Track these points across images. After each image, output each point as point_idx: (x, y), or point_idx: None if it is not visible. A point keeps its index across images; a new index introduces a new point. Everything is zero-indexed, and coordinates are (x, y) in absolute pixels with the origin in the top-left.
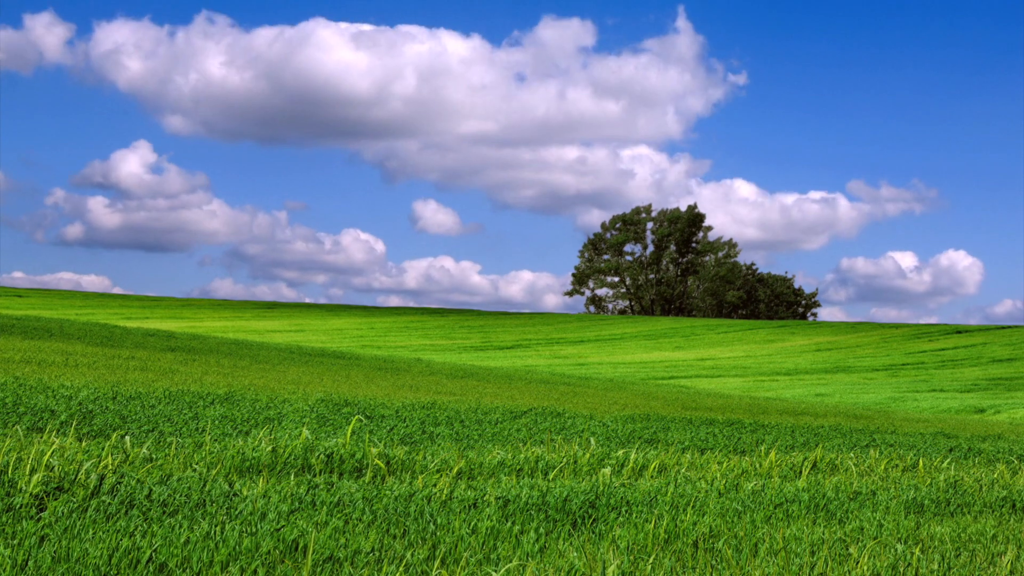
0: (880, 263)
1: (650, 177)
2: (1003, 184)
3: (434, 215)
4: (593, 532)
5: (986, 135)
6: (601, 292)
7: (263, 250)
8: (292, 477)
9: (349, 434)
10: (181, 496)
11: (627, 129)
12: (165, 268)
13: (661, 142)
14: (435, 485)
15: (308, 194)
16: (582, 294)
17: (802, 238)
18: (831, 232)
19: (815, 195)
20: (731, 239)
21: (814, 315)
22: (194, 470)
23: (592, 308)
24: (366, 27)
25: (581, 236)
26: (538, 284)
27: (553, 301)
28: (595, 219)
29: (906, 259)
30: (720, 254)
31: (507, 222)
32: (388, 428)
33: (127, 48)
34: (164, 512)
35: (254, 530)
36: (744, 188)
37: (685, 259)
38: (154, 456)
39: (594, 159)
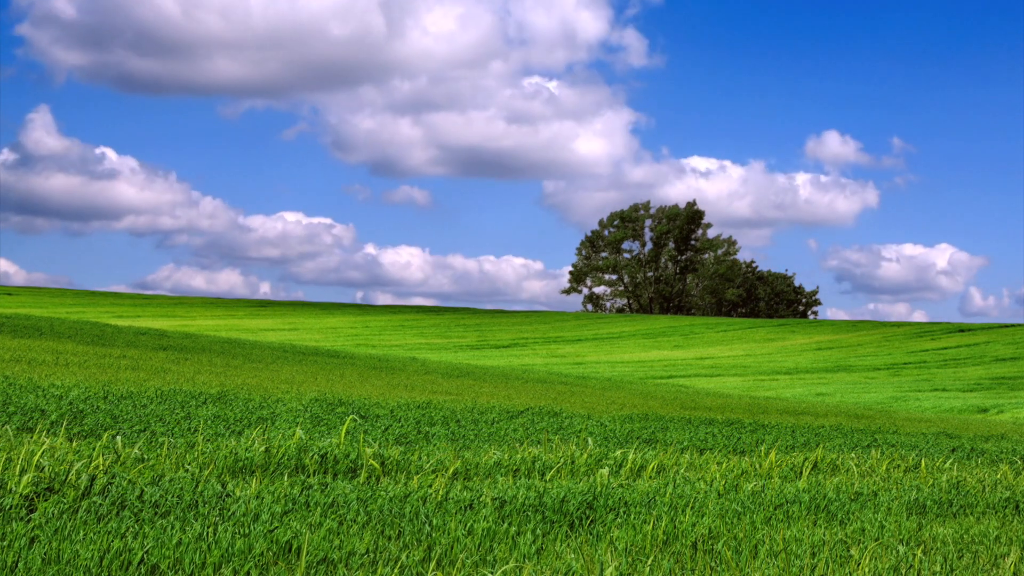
0: (860, 252)
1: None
2: (987, 172)
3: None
4: (591, 533)
5: (971, 122)
6: (599, 290)
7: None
8: (286, 478)
9: (343, 434)
10: (173, 497)
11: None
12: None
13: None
14: (430, 486)
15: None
16: (579, 292)
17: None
18: (799, 213)
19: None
20: (730, 236)
21: (815, 313)
22: (186, 470)
23: (590, 306)
24: None
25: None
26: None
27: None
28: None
29: (887, 250)
30: (719, 251)
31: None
32: (383, 428)
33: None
34: (156, 513)
35: (247, 531)
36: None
37: (684, 257)
38: (146, 456)
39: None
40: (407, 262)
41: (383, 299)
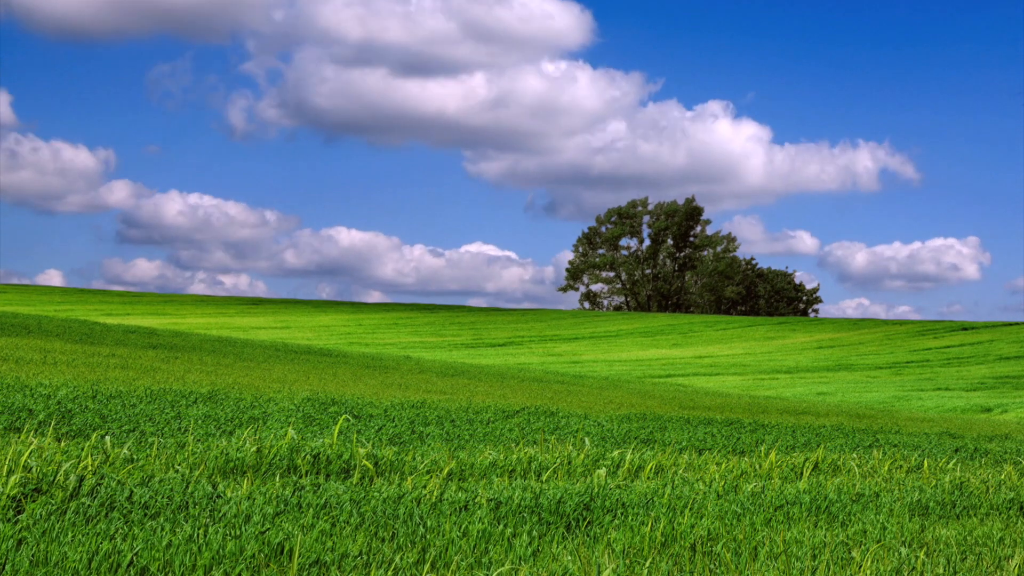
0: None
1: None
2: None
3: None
4: (588, 535)
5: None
6: (596, 288)
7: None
8: (277, 478)
9: (336, 434)
10: (163, 498)
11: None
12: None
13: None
14: (425, 487)
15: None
16: (576, 289)
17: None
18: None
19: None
20: (729, 233)
21: (815, 311)
22: (176, 471)
23: (587, 304)
24: None
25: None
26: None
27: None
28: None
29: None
30: (719, 248)
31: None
32: (376, 428)
33: None
34: (145, 514)
35: (238, 533)
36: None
37: (683, 253)
38: (135, 457)
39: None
40: (361, 247)
41: (327, 291)
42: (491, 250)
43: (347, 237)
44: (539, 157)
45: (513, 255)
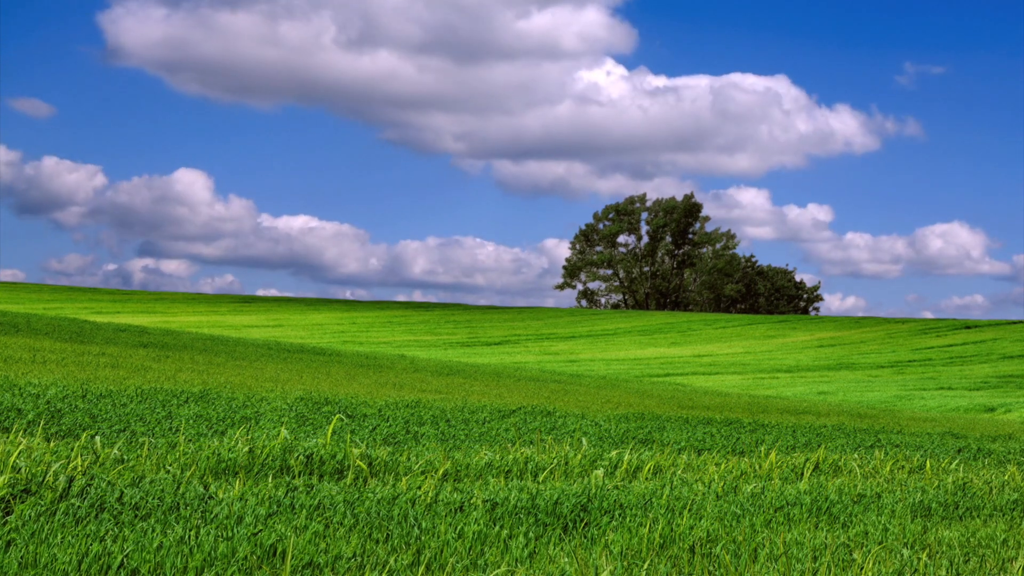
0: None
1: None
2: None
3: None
4: (585, 536)
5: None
6: (593, 285)
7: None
8: (270, 479)
9: (330, 434)
10: (154, 499)
11: None
12: None
13: None
14: (419, 487)
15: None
16: (573, 287)
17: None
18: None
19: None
20: (729, 230)
21: (816, 309)
22: (167, 472)
23: (584, 302)
24: None
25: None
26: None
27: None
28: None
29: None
30: (718, 245)
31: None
32: (370, 428)
33: None
34: (136, 516)
35: (230, 534)
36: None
37: (681, 251)
38: (126, 457)
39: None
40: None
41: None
42: (458, 237)
43: (290, 224)
44: (506, 120)
45: (481, 239)
